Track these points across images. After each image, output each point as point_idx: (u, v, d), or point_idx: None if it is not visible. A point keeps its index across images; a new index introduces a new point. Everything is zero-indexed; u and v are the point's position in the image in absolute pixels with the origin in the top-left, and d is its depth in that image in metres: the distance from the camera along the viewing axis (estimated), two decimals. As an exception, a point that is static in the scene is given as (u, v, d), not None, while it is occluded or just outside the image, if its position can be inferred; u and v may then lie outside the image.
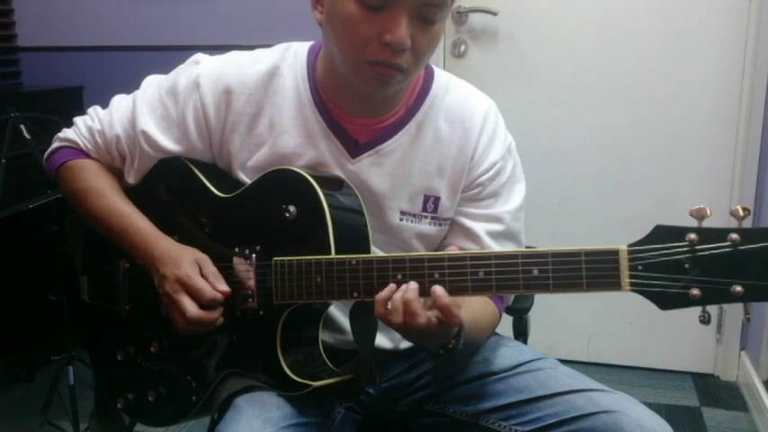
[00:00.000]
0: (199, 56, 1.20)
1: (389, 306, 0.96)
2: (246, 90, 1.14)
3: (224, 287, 1.07)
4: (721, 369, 2.55)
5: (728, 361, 2.53)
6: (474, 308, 1.10)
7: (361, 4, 0.99)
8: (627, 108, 2.42)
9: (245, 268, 1.09)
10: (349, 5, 1.00)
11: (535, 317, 1.44)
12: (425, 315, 0.94)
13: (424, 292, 0.96)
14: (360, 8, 1.00)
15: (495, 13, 2.42)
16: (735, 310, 2.45)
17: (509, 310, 1.36)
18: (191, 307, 1.05)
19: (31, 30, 2.86)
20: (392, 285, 0.97)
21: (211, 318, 1.06)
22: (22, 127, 2.06)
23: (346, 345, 1.16)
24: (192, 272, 1.07)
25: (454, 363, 1.19)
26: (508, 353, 1.20)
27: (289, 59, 1.16)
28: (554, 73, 2.45)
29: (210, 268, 1.09)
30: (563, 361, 1.18)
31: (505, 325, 1.36)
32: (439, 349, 1.03)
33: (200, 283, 1.06)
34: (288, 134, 1.14)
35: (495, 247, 1.16)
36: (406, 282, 0.97)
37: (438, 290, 0.94)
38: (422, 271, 0.96)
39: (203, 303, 1.06)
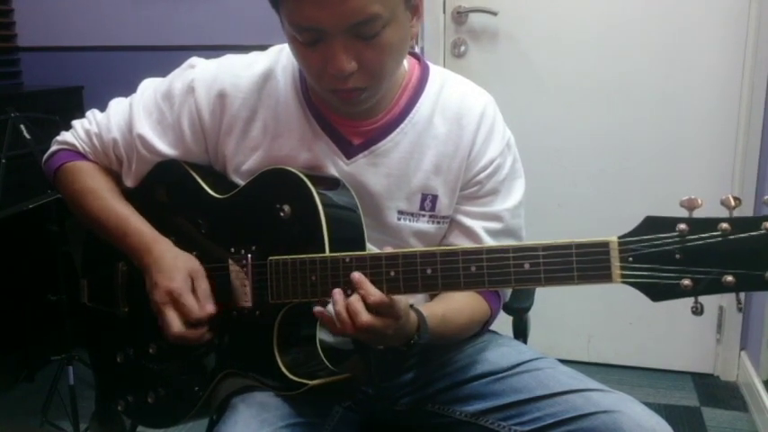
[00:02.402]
0: (194, 60, 1.21)
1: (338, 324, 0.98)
2: (241, 94, 1.14)
3: (211, 308, 1.08)
4: (721, 369, 2.54)
5: (728, 361, 2.52)
6: (450, 303, 1.12)
7: (299, 43, 1.00)
8: (627, 108, 2.42)
9: (240, 268, 1.09)
10: (293, 43, 1.02)
11: (535, 317, 1.44)
12: (367, 312, 0.95)
13: (416, 288, 0.97)
14: (300, 46, 1.01)
15: (495, 13, 2.42)
16: (735, 310, 2.45)
17: (509, 310, 1.36)
18: (175, 324, 1.06)
19: (31, 30, 2.86)
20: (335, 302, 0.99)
21: (195, 335, 1.07)
22: (22, 127, 2.06)
23: (344, 344, 1.16)
24: (183, 287, 1.07)
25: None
26: (507, 353, 1.19)
27: (282, 62, 1.16)
28: (554, 73, 2.45)
29: (202, 285, 1.09)
30: (563, 361, 1.18)
31: (505, 325, 1.36)
32: (403, 346, 1.04)
33: (189, 301, 1.06)
34: (283, 137, 1.14)
35: (494, 244, 1.16)
36: (399, 277, 0.97)
37: (355, 274, 0.97)
38: (414, 267, 0.96)
39: (189, 322, 1.06)
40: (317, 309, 1.00)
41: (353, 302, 0.96)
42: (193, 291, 1.08)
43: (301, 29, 0.98)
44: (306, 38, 0.99)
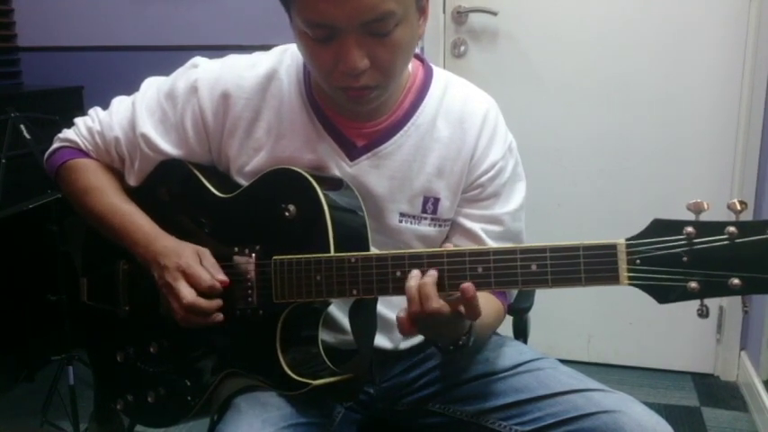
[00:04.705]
0: (197, 59, 1.20)
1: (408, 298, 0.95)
2: (244, 94, 1.14)
3: (222, 277, 1.08)
4: (721, 369, 2.54)
5: (728, 361, 2.53)
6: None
7: (311, 39, 1.00)
8: (627, 108, 2.42)
9: (244, 268, 1.09)
10: (304, 40, 1.02)
11: (535, 317, 1.44)
12: (439, 300, 0.93)
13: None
14: (311, 42, 1.00)
15: (495, 13, 2.42)
16: (735, 311, 2.45)
17: (509, 310, 1.36)
18: (187, 292, 1.05)
19: (31, 30, 2.86)
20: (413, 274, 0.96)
21: (208, 306, 1.06)
22: (22, 127, 2.06)
23: (347, 345, 1.16)
24: (192, 261, 1.08)
25: (458, 361, 1.18)
26: (508, 353, 1.20)
27: (286, 62, 1.16)
28: (554, 73, 2.45)
29: (210, 260, 1.10)
30: (563, 361, 1.18)
31: (505, 325, 1.35)
32: (449, 345, 1.03)
33: (199, 270, 1.07)
34: (286, 138, 1.14)
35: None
36: (406, 277, 0.96)
37: (466, 285, 0.93)
38: (421, 268, 0.96)
39: (201, 290, 1.06)
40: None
41: (427, 286, 0.93)
42: (202, 266, 1.08)
43: (314, 25, 0.98)
44: (318, 34, 0.99)
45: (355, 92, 1.03)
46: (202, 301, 1.06)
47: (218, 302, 1.07)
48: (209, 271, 1.08)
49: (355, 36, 0.97)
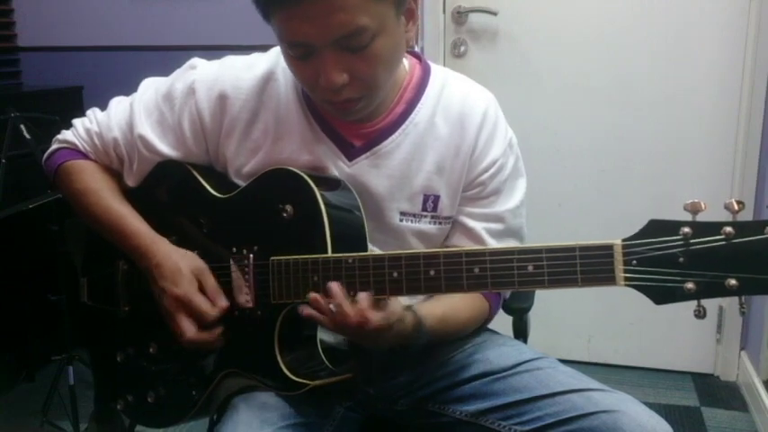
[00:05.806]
0: (195, 60, 1.20)
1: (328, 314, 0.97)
2: (241, 96, 1.14)
3: (223, 302, 1.08)
4: (721, 369, 2.54)
5: (728, 361, 2.52)
6: (450, 302, 1.12)
7: (291, 56, 1.02)
8: (627, 108, 2.42)
9: (242, 268, 1.09)
10: (287, 57, 1.04)
11: (535, 317, 1.44)
12: (373, 311, 0.95)
13: (419, 290, 0.97)
14: (292, 59, 1.02)
15: (495, 13, 2.42)
16: (735, 311, 2.45)
17: (509, 310, 1.36)
18: (188, 329, 1.06)
19: (31, 30, 2.86)
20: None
21: (210, 339, 1.07)
22: (22, 127, 2.07)
23: (345, 344, 1.16)
24: (190, 290, 1.07)
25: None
26: (508, 352, 1.19)
27: (283, 63, 1.15)
28: (554, 73, 2.45)
29: (210, 282, 1.09)
30: (563, 361, 1.18)
31: (505, 325, 1.36)
32: (398, 347, 1.04)
33: (200, 304, 1.06)
34: (284, 139, 1.14)
35: (496, 245, 1.16)
36: (402, 278, 0.97)
37: (361, 294, 0.96)
38: (417, 268, 0.96)
39: (204, 324, 1.06)
40: (307, 311, 0.99)
41: (366, 312, 0.95)
42: (201, 290, 1.08)
43: (291, 44, 0.99)
44: (297, 52, 1.00)
45: (339, 105, 1.04)
46: (205, 335, 1.07)
47: (219, 331, 1.08)
48: (210, 297, 1.08)
49: (332, 52, 0.97)
